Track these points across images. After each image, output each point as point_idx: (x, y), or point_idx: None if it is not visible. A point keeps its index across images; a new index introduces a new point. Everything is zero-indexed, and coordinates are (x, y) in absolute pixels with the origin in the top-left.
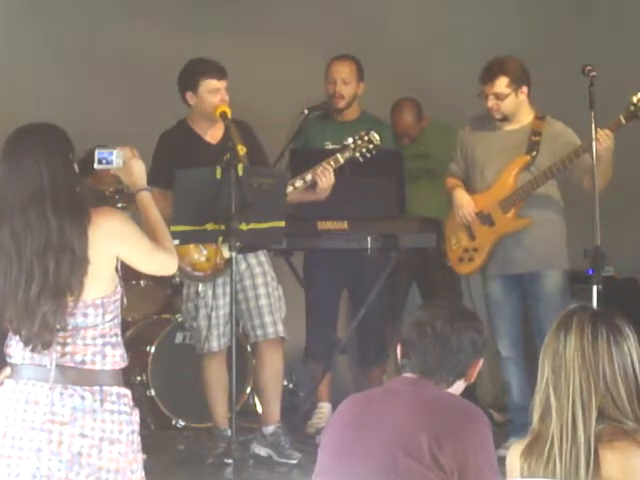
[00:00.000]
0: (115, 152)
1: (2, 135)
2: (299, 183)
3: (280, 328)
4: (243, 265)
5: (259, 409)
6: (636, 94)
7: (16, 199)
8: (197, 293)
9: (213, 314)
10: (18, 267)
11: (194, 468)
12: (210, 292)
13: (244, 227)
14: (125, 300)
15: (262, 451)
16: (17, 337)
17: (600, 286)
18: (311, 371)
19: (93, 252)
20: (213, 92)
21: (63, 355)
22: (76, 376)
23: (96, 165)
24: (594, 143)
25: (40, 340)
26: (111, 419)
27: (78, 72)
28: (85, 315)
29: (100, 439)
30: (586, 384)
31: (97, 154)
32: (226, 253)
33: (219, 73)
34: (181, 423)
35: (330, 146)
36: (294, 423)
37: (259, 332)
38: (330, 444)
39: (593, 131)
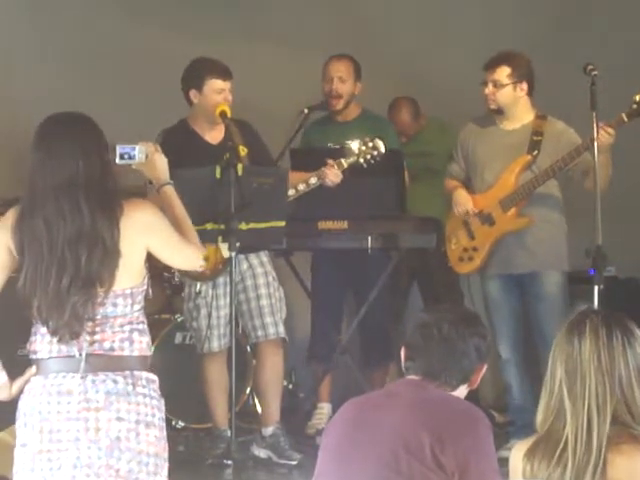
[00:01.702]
0: (137, 147)
1: (2, 135)
2: (302, 187)
3: (281, 329)
4: (245, 265)
5: (259, 410)
6: (639, 93)
7: (49, 186)
8: (197, 292)
9: (214, 314)
10: (49, 257)
11: (194, 469)
12: (211, 291)
13: (244, 227)
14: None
15: (262, 453)
16: (42, 330)
17: (602, 286)
18: (313, 371)
19: (125, 244)
20: (218, 92)
21: (92, 344)
22: (105, 363)
23: (118, 160)
24: (596, 143)
25: (68, 330)
26: (144, 402)
27: (78, 72)
28: (115, 305)
29: (136, 422)
30: (602, 387)
31: (118, 149)
32: (225, 253)
33: (225, 74)
34: (181, 424)
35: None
36: (294, 424)
37: (260, 332)
38: (330, 446)
39: (595, 130)
